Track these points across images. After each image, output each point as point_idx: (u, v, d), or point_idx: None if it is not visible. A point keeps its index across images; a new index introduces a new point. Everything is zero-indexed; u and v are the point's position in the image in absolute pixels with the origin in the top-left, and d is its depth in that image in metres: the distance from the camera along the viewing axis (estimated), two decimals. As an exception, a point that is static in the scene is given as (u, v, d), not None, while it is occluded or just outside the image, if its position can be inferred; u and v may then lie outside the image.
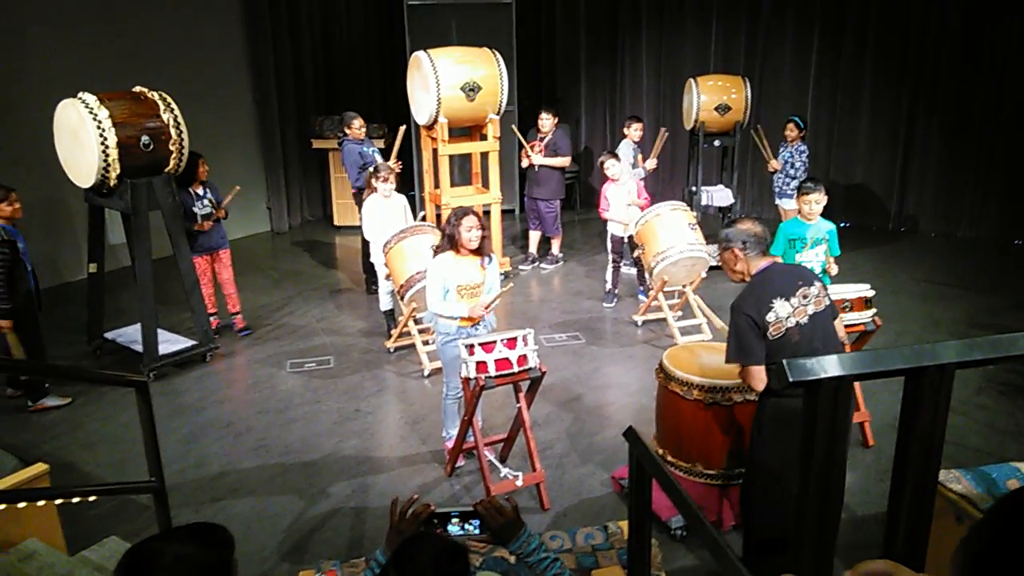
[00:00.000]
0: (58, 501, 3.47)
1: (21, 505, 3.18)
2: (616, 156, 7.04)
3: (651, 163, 7.95)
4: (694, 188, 8.18)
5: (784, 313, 3.21)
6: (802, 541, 1.60)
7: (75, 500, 3.23)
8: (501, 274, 7.74)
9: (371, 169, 6.59)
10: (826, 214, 5.21)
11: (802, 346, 3.20)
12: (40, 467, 3.53)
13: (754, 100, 8.14)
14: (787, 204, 7.45)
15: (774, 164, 7.65)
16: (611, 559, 3.35)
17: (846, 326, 4.34)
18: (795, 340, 3.20)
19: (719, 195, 8.20)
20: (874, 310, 4.62)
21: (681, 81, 8.61)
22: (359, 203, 7.04)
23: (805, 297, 3.26)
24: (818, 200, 5.06)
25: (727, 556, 1.57)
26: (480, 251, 4.47)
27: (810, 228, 5.13)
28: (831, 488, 1.63)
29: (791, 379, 1.56)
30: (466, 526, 2.09)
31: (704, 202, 8.17)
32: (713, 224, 8.92)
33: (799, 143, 7.63)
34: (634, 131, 7.90)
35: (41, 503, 3.50)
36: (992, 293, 7.35)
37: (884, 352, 1.62)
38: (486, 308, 4.43)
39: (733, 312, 3.28)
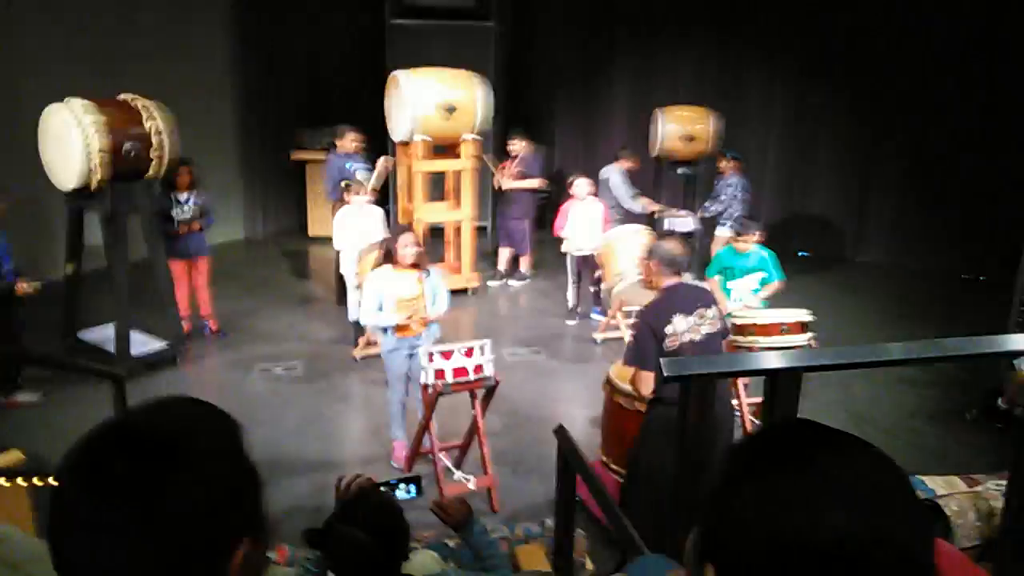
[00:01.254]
0: (32, 489, 3.67)
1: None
2: (586, 176, 7.37)
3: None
4: (657, 214, 8.50)
5: (681, 328, 3.56)
6: (677, 519, 1.87)
7: (44, 485, 3.43)
8: (471, 291, 8.08)
9: (344, 183, 6.86)
10: (787, 243, 5.59)
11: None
12: (15, 454, 3.72)
13: (721, 130, 8.50)
14: (721, 232, 7.85)
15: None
16: (540, 545, 3.62)
17: (783, 347, 4.64)
18: (688, 353, 3.51)
19: (681, 222, 8.53)
20: (811, 334, 4.92)
21: (651, 109, 8.95)
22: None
23: (702, 317, 3.63)
24: (748, 240, 5.46)
25: (625, 529, 1.83)
26: (418, 265, 4.76)
27: (744, 257, 5.49)
28: (702, 468, 1.90)
29: (666, 374, 1.84)
30: (410, 489, 2.37)
31: (667, 227, 8.50)
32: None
33: (732, 174, 7.99)
34: (626, 159, 8.20)
35: (15, 488, 3.69)
36: (934, 323, 7.72)
37: (743, 357, 1.91)
38: (422, 322, 4.74)
39: (638, 321, 3.66)
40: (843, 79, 9.66)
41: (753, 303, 5.57)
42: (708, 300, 3.77)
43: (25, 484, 3.80)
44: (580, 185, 7.23)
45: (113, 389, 3.94)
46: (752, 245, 5.57)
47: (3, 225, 5.55)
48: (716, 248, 7.35)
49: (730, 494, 0.82)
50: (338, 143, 7.70)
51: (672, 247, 3.82)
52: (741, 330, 4.85)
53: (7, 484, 3.69)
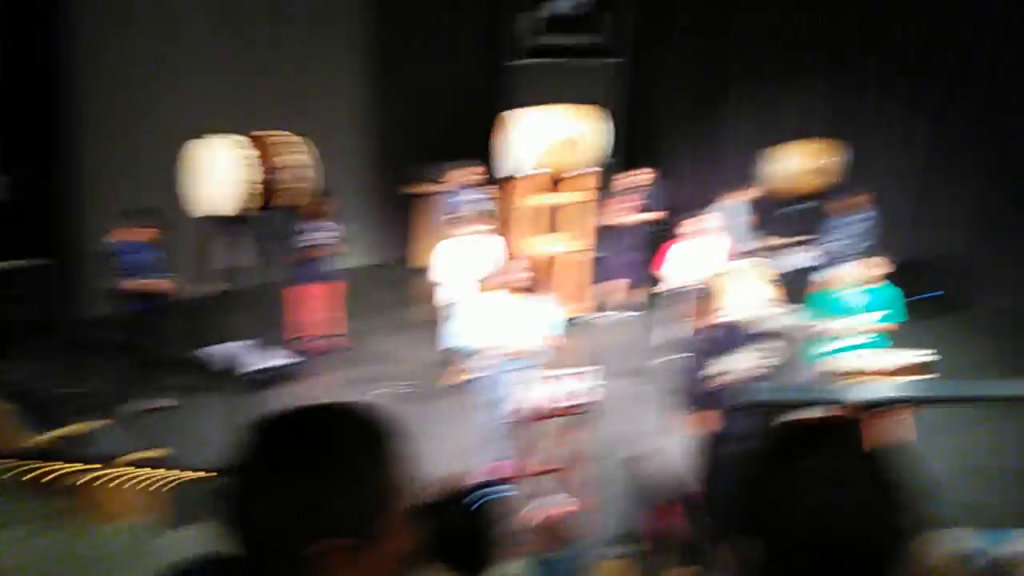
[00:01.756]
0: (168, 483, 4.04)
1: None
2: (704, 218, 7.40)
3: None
4: (774, 248, 8.34)
5: (736, 365, 3.66)
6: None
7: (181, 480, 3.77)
8: (578, 319, 8.15)
9: (450, 217, 7.16)
10: (916, 284, 5.38)
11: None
12: (160, 451, 4.10)
13: (849, 164, 8.30)
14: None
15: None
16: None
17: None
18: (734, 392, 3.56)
19: (800, 258, 8.34)
20: (932, 375, 4.73)
21: (770, 143, 8.81)
22: None
23: (754, 353, 3.71)
24: (865, 269, 5.28)
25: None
26: (531, 290, 4.94)
27: (853, 295, 5.32)
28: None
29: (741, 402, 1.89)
30: (503, 490, 2.49)
31: (786, 264, 8.32)
32: (795, 284, 8.99)
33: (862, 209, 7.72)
34: (743, 196, 8.24)
35: (154, 481, 4.07)
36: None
37: (811, 387, 1.93)
38: (533, 350, 4.88)
39: (687, 362, 3.80)
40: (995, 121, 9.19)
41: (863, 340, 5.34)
42: (753, 335, 3.79)
43: (165, 478, 4.18)
44: (701, 221, 7.21)
45: (242, 397, 4.29)
46: (869, 281, 5.38)
47: (159, 245, 6.12)
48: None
49: (767, 477, 1.08)
50: (445, 180, 7.97)
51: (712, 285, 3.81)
52: (849, 376, 4.72)
53: (150, 476, 4.07)
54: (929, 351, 4.82)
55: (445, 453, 5.69)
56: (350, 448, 1.07)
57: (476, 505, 2.29)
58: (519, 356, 4.92)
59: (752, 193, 8.21)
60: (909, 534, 1.02)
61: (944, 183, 9.58)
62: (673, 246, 7.30)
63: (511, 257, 5.16)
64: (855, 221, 7.75)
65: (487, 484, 2.64)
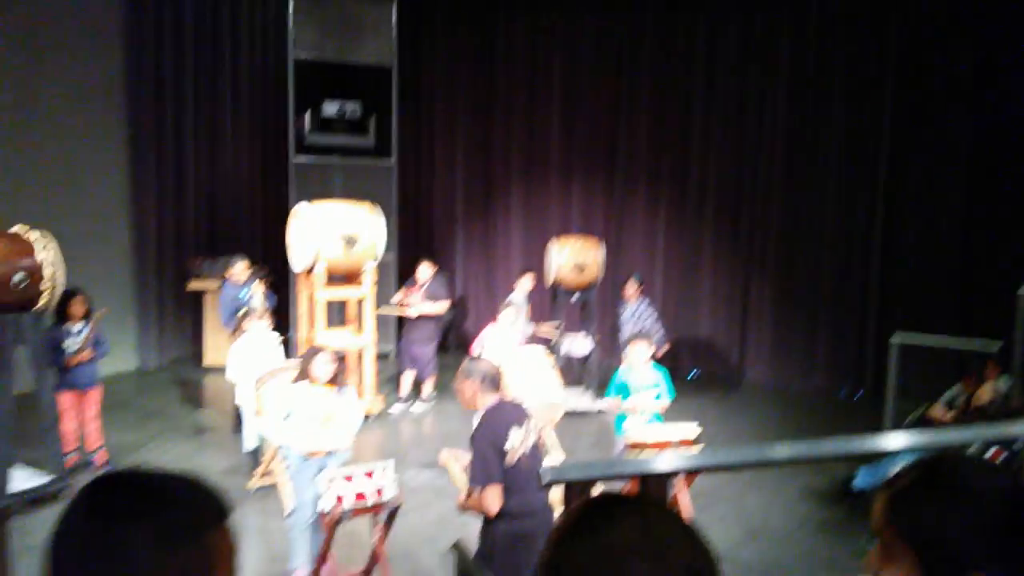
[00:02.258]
0: None
1: None
2: (512, 304, 7.81)
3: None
4: (552, 340, 8.83)
5: (517, 442, 3.69)
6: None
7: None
8: (374, 414, 8.06)
9: (242, 312, 6.93)
10: (677, 365, 5.93)
11: (525, 472, 3.66)
12: None
13: (611, 259, 9.09)
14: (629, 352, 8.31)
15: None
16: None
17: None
18: (524, 466, 3.67)
19: (577, 345, 8.89)
20: (701, 445, 5.20)
21: (547, 235, 9.49)
22: None
23: (527, 430, 3.77)
24: (639, 351, 5.81)
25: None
26: (334, 382, 4.87)
27: (637, 375, 5.81)
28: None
29: (547, 480, 2.01)
30: None
31: (564, 351, 8.83)
32: (575, 370, 9.57)
33: (641, 298, 8.56)
34: (526, 281, 8.76)
35: None
36: (812, 439, 8.15)
37: (617, 463, 2.10)
38: (338, 446, 4.81)
39: (475, 442, 3.72)
40: (718, 208, 10.53)
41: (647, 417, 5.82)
42: (526, 412, 3.91)
43: None
44: (507, 313, 7.60)
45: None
46: (645, 363, 5.88)
47: None
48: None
49: (556, 556, 1.04)
50: (230, 273, 7.84)
51: (487, 366, 3.95)
52: (635, 447, 5.09)
53: None
54: (695, 424, 5.29)
55: (254, 560, 5.32)
56: (185, 506, 1.06)
57: None
58: (325, 452, 4.77)
59: (528, 284, 8.76)
60: None
61: (690, 271, 10.75)
62: (487, 329, 7.56)
63: (305, 350, 5.04)
64: (635, 308, 8.46)
65: None
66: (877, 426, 6.61)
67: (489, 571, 3.58)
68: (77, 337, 6.47)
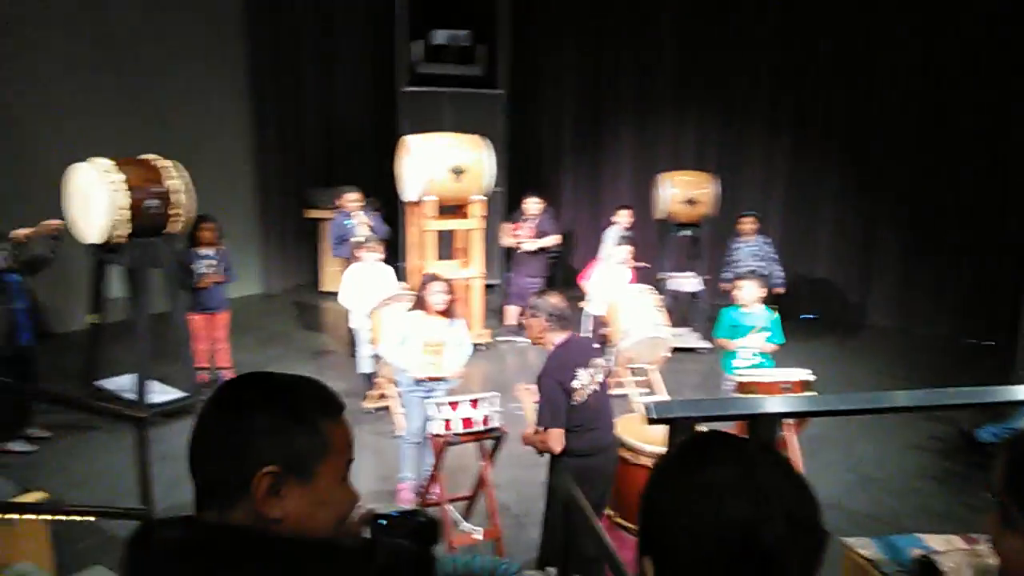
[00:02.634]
0: (51, 527, 3.79)
1: (20, 517, 3.49)
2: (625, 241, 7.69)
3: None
4: (661, 275, 8.69)
5: (586, 381, 3.67)
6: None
7: (66, 519, 3.55)
8: (482, 345, 8.23)
9: (354, 240, 7.13)
10: (793, 307, 5.74)
11: (594, 410, 3.66)
12: (39, 494, 3.85)
13: (723, 193, 8.77)
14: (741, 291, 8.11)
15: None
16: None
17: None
18: (592, 405, 3.66)
19: (686, 283, 8.72)
20: (813, 393, 5.04)
21: (657, 170, 9.24)
22: None
23: (596, 368, 3.73)
24: (751, 290, 5.62)
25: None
26: (447, 313, 4.95)
27: (748, 316, 5.65)
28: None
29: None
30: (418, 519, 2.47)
31: (671, 289, 8.69)
32: (684, 308, 9.43)
33: (759, 236, 8.21)
34: (623, 217, 8.48)
35: (35, 526, 3.81)
36: (936, 387, 7.77)
37: (724, 402, 2.05)
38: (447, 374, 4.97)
39: (542, 381, 3.69)
40: (844, 142, 9.94)
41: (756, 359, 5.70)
42: (596, 350, 3.89)
43: (45, 521, 3.92)
44: (619, 252, 7.46)
45: (135, 432, 4.07)
46: (757, 303, 5.72)
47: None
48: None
49: (654, 494, 1.02)
50: (340, 202, 8.02)
51: (556, 301, 3.88)
52: (744, 388, 4.99)
53: (29, 520, 3.81)
54: (808, 371, 5.12)
55: (368, 474, 5.63)
56: (302, 397, 1.17)
57: (406, 537, 2.27)
58: (434, 380, 4.94)
59: (625, 220, 8.54)
60: (822, 543, 0.97)
61: (809, 210, 10.25)
62: (594, 266, 7.52)
63: (421, 279, 5.16)
64: (752, 246, 8.18)
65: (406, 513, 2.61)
66: (1006, 377, 6.23)
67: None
68: (207, 261, 6.84)
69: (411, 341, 4.94)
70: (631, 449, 4.40)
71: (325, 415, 1.18)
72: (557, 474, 3.74)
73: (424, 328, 4.98)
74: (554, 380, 3.67)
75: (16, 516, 3.74)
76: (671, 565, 0.97)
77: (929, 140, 9.39)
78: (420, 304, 5.01)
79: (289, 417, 1.13)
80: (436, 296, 4.94)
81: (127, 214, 5.83)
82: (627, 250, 7.51)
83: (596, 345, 3.98)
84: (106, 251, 6.11)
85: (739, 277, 5.97)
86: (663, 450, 4.19)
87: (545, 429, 3.67)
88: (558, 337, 3.84)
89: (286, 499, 1.11)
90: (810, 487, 0.99)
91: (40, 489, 4.25)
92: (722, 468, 0.97)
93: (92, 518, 3.89)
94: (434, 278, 5.05)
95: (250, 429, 1.12)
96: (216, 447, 1.14)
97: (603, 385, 3.80)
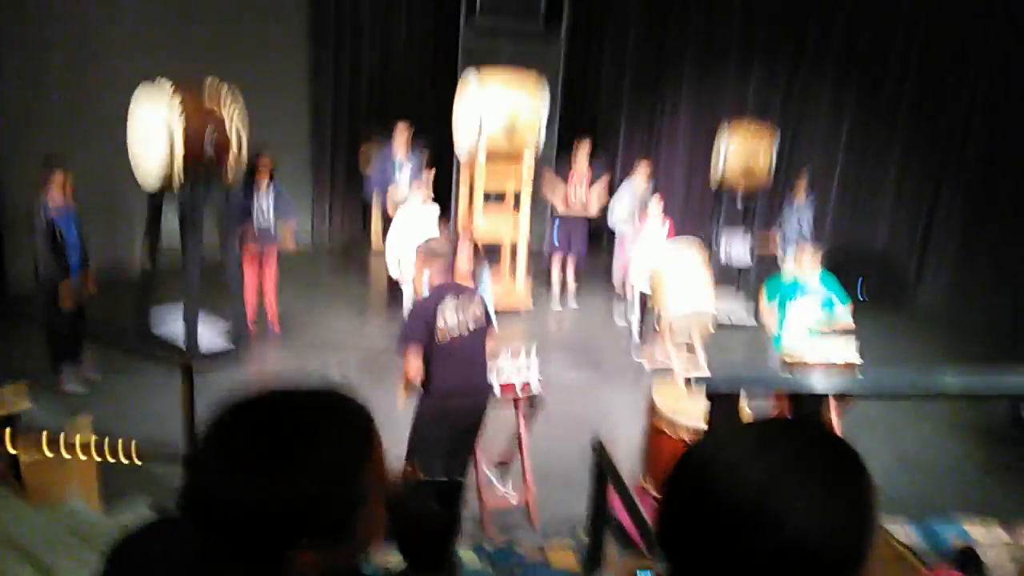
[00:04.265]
0: (99, 465, 3.93)
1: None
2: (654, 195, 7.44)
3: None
4: (714, 247, 8.53)
5: (452, 323, 3.87)
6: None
7: (113, 460, 3.68)
8: (522, 308, 8.21)
9: (396, 186, 7.32)
10: (843, 277, 5.60)
11: (459, 353, 3.94)
12: (88, 432, 3.99)
13: (784, 152, 8.49)
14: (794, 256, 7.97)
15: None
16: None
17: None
18: (456, 347, 3.87)
19: (737, 248, 8.55)
20: (859, 376, 4.93)
21: (717, 121, 8.92)
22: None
23: (466, 313, 3.94)
24: (807, 256, 5.48)
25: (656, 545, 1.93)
26: (473, 275, 5.06)
27: (801, 279, 5.52)
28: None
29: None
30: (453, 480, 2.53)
31: (723, 260, 8.54)
32: (729, 279, 9.27)
33: (808, 194, 8.00)
34: (641, 171, 8.30)
35: (85, 465, 3.96)
36: (988, 372, 7.56)
37: (769, 377, 2.01)
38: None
39: (409, 313, 4.05)
40: (914, 110, 9.53)
41: (835, 325, 5.54)
42: (476, 298, 4.08)
43: (94, 460, 4.07)
44: (654, 207, 7.27)
45: (182, 377, 4.18)
46: (812, 266, 5.59)
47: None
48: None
49: (674, 474, 0.96)
50: (392, 142, 7.92)
51: (441, 247, 4.15)
52: (790, 366, 4.90)
53: (78, 459, 3.95)
54: (857, 346, 5.00)
55: (402, 436, 5.72)
56: (332, 442, 0.97)
57: (433, 496, 2.33)
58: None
59: (645, 171, 8.31)
60: (874, 523, 0.93)
61: (870, 173, 9.91)
62: (642, 223, 7.36)
63: (459, 234, 5.16)
64: (801, 208, 7.98)
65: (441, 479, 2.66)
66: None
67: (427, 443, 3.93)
68: (262, 199, 6.87)
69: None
70: (668, 422, 4.39)
71: (364, 457, 1.00)
72: (420, 403, 4.07)
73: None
74: (418, 311, 3.96)
75: (67, 455, 3.88)
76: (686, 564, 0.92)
77: (1006, 111, 8.89)
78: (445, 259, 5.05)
79: (324, 478, 0.95)
80: (461, 256, 4.94)
81: (183, 154, 5.78)
82: (658, 203, 7.30)
83: (475, 293, 4.19)
84: (163, 193, 6.16)
85: (789, 242, 5.80)
86: (701, 424, 4.18)
87: (402, 352, 3.95)
88: (437, 279, 4.11)
89: (322, 558, 0.97)
90: (869, 469, 0.95)
91: (90, 427, 4.40)
92: (779, 451, 0.92)
93: (139, 461, 4.00)
94: (462, 238, 5.06)
95: (276, 496, 0.93)
96: (232, 509, 0.93)
97: (474, 332, 3.99)
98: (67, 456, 3.89)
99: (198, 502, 0.97)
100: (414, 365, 3.87)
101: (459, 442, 4.10)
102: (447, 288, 4.09)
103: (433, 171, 7.77)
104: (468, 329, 3.95)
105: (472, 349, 3.98)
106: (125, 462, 4.04)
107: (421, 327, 3.88)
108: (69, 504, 3.94)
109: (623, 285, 7.81)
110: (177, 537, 1.07)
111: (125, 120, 6.16)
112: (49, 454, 3.80)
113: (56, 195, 5.64)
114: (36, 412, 4.66)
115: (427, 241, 4.30)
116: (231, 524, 0.94)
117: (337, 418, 1.01)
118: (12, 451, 3.84)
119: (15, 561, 3.31)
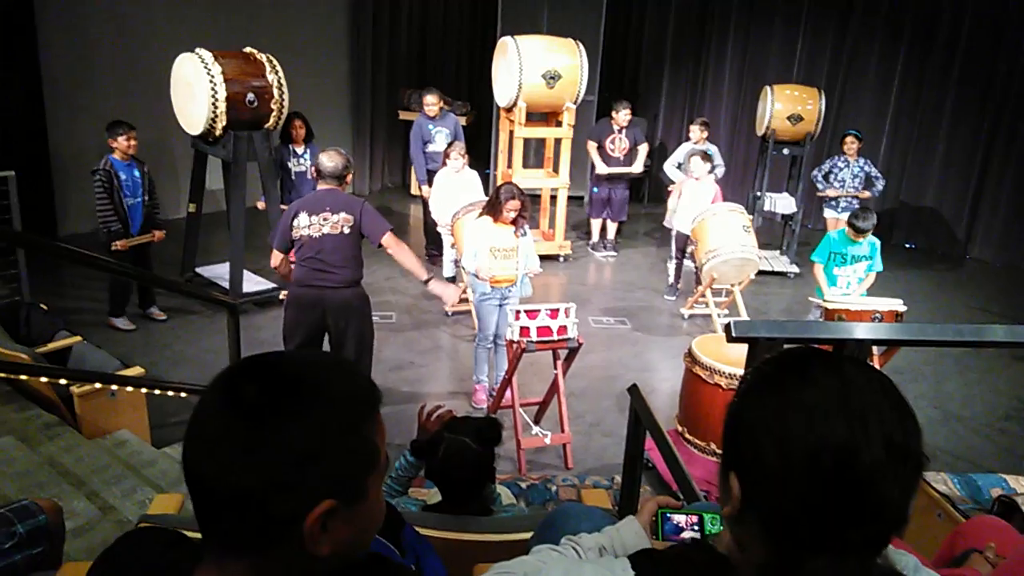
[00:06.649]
0: (149, 400, 4.07)
1: (122, 389, 3.75)
2: (706, 156, 7.17)
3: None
4: (759, 193, 8.40)
5: (303, 224, 4.33)
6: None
7: (161, 394, 3.81)
8: (561, 257, 8.23)
9: (434, 145, 7.38)
10: (890, 234, 5.50)
11: (314, 250, 4.34)
12: (137, 369, 4.12)
13: (831, 112, 8.29)
14: (829, 214, 7.83)
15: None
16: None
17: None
18: (311, 244, 4.32)
19: (782, 202, 8.40)
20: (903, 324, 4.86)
21: (761, 86, 8.78)
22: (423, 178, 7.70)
23: (325, 220, 4.33)
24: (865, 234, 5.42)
25: (692, 490, 1.96)
26: (516, 223, 5.05)
27: (855, 245, 5.42)
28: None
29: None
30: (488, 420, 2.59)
31: (767, 208, 8.40)
32: (776, 230, 9.13)
33: (859, 158, 7.80)
34: (696, 131, 8.12)
35: (135, 399, 4.10)
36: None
37: (810, 324, 1.98)
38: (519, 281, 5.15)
39: (284, 214, 4.51)
40: (966, 68, 9.21)
41: (858, 291, 5.54)
42: (339, 207, 4.36)
43: (144, 394, 4.21)
44: (697, 164, 7.13)
45: (228, 317, 4.29)
46: (863, 233, 5.50)
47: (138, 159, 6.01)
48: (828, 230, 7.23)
49: (744, 409, 0.95)
50: (424, 104, 7.82)
51: (327, 159, 4.38)
52: (831, 315, 4.84)
53: (130, 392, 4.09)
54: (901, 301, 4.93)
55: (445, 374, 5.82)
56: (343, 391, 0.93)
57: (469, 436, 2.38)
58: (501, 284, 5.03)
59: (701, 132, 8.13)
60: (920, 469, 0.92)
61: (921, 133, 9.64)
62: (687, 183, 7.26)
63: (499, 187, 5.15)
64: (850, 167, 7.79)
65: (478, 416, 2.72)
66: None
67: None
68: (301, 158, 6.99)
69: (481, 247, 5.01)
70: (705, 367, 4.38)
71: (367, 416, 0.94)
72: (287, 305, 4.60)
73: (493, 234, 5.02)
74: (288, 215, 4.40)
75: (118, 388, 4.02)
76: (760, 484, 0.92)
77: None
78: (491, 210, 5.03)
79: (335, 429, 0.89)
80: (509, 204, 4.95)
81: (229, 105, 5.94)
82: (707, 167, 7.16)
83: (338, 201, 4.43)
84: (207, 142, 6.28)
85: (860, 209, 5.72)
86: (738, 370, 4.16)
87: (271, 250, 4.48)
88: (320, 186, 4.45)
89: (334, 531, 0.89)
90: (911, 411, 0.93)
91: (140, 365, 4.55)
92: (819, 387, 0.90)
93: (185, 394, 4.13)
94: (511, 190, 5.03)
95: (289, 452, 0.85)
96: (240, 478, 0.85)
97: (327, 236, 4.33)
98: (117, 389, 4.03)
99: (197, 459, 0.88)
100: (274, 262, 4.48)
101: (314, 330, 4.52)
102: (315, 196, 4.48)
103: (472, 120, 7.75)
104: (324, 230, 4.33)
105: (329, 246, 4.34)
106: (172, 395, 4.18)
107: (285, 229, 4.37)
108: (120, 434, 4.09)
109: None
110: (163, 543, 1.05)
111: (167, 80, 6.31)
112: (100, 387, 3.94)
113: (124, 151, 5.86)
114: (88, 348, 4.84)
115: (325, 153, 4.52)
116: (237, 486, 0.85)
117: (343, 371, 0.97)
118: (65, 384, 3.99)
119: (69, 489, 3.46)
